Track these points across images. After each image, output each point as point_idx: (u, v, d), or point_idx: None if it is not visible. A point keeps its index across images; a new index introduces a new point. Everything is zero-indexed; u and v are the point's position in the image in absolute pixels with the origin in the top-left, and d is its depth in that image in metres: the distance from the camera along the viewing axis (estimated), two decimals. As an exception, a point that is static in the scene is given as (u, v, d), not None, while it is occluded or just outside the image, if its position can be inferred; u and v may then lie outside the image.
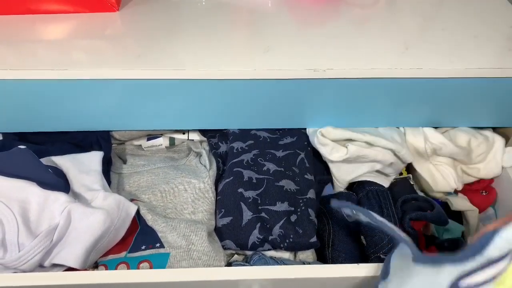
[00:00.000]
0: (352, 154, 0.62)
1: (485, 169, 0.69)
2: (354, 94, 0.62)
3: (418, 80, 0.61)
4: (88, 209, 0.54)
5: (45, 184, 0.56)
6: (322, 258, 0.62)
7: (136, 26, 0.67)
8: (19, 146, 0.59)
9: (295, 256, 0.61)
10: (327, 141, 0.63)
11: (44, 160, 0.60)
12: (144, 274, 0.48)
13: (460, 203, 0.68)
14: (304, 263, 0.59)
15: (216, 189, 0.64)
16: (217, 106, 0.64)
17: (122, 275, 0.47)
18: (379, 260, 0.58)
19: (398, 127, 0.69)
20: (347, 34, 0.66)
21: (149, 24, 0.67)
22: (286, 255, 0.60)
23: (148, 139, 0.73)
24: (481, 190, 0.71)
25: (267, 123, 0.67)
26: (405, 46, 0.63)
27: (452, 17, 0.71)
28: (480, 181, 0.71)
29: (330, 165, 0.66)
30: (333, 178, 0.67)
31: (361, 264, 0.49)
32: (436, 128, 0.69)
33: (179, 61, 0.60)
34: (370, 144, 0.64)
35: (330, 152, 0.63)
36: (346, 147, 0.63)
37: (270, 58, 0.60)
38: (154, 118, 0.65)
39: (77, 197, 0.57)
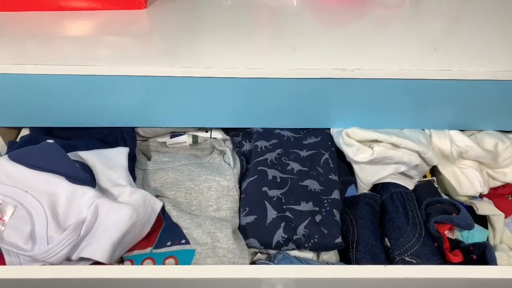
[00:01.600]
0: (378, 155, 0.62)
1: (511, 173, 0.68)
2: (381, 94, 0.62)
3: (446, 81, 0.60)
4: (115, 204, 0.54)
5: (72, 178, 0.56)
6: (345, 259, 0.61)
7: (164, 24, 0.67)
8: (48, 140, 0.59)
9: (318, 256, 0.61)
10: (353, 141, 0.63)
11: (71, 155, 0.61)
12: (172, 270, 0.48)
13: (486, 207, 0.67)
14: (327, 264, 0.59)
15: (239, 187, 0.64)
16: (243, 104, 0.64)
17: (149, 270, 0.48)
18: (404, 262, 0.57)
19: (423, 129, 0.68)
20: (373, 34, 0.66)
21: (176, 22, 0.67)
22: (309, 255, 0.60)
23: (172, 137, 0.73)
24: (507, 195, 0.70)
25: (292, 123, 0.67)
26: (433, 47, 0.63)
27: (479, 19, 0.70)
28: (506, 185, 0.70)
29: (355, 166, 0.66)
30: (357, 179, 0.67)
31: (388, 266, 0.49)
32: (462, 130, 0.68)
33: (206, 59, 0.60)
34: (395, 146, 0.63)
35: (355, 153, 0.63)
36: (372, 148, 0.63)
37: (298, 57, 0.60)
38: (179, 115, 0.66)
39: (103, 192, 0.58)
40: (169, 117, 0.66)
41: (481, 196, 0.70)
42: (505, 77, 0.59)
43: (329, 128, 0.69)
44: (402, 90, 0.61)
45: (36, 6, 0.67)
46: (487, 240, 0.67)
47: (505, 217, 0.68)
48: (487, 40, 0.64)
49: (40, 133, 0.68)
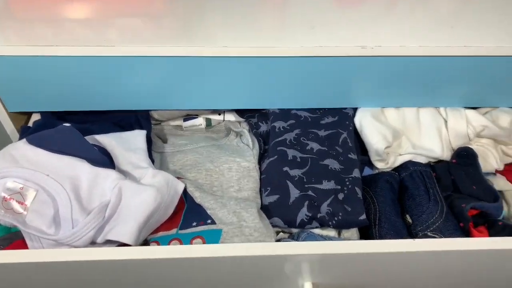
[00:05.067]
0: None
1: (525, 150, 0.69)
2: (400, 72, 0.62)
3: (465, 58, 0.60)
4: (138, 186, 0.54)
5: (93, 161, 0.55)
6: (366, 237, 0.61)
7: (178, 4, 0.66)
8: (64, 124, 0.58)
9: (339, 234, 0.61)
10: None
11: (88, 139, 0.60)
12: (203, 249, 0.47)
13: (502, 183, 0.67)
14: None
15: (259, 168, 0.64)
16: (259, 84, 0.63)
17: (180, 250, 0.47)
18: (426, 237, 0.58)
19: (437, 107, 0.69)
20: (389, 12, 0.66)
21: (191, 1, 0.66)
22: (332, 233, 0.60)
23: (185, 120, 0.73)
24: (519, 170, 0.71)
25: (310, 103, 0.66)
26: (450, 24, 0.63)
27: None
28: (519, 161, 0.71)
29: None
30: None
31: (416, 240, 0.49)
32: (478, 108, 0.68)
33: (220, 38, 0.59)
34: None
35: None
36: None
37: (317, 35, 0.60)
38: (196, 97, 0.65)
39: (124, 174, 0.57)
40: (186, 100, 0.65)
41: (495, 172, 0.71)
42: (523, 53, 0.60)
43: (346, 108, 0.69)
44: (421, 67, 0.62)
45: (46, -13, 0.65)
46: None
47: (519, 192, 0.69)
48: (501, 16, 0.65)
49: (51, 118, 0.67)
